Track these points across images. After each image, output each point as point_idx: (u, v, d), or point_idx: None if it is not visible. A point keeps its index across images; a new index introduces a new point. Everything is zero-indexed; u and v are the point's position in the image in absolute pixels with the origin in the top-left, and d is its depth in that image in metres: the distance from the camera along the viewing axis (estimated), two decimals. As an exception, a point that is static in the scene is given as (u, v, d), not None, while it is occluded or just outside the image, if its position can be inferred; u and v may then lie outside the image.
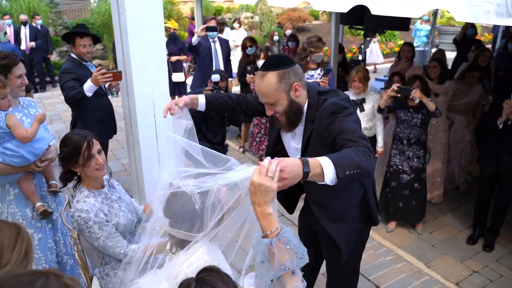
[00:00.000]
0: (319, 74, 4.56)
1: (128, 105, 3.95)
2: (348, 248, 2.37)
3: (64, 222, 2.60)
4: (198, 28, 6.42)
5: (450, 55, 9.30)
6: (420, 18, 10.64)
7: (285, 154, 2.36)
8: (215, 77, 4.54)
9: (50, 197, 2.90)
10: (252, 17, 16.77)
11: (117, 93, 4.24)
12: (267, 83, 1.99)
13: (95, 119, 4.00)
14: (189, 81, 7.93)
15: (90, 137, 2.25)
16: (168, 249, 1.89)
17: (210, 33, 5.87)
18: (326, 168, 1.55)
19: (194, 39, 5.78)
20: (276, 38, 9.81)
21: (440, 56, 5.58)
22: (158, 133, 3.89)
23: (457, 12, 2.92)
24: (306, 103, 2.12)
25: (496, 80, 6.07)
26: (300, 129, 2.19)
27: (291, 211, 2.69)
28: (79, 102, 3.78)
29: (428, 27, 10.68)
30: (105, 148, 4.25)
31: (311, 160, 1.52)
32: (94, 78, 3.59)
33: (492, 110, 4.02)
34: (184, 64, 10.44)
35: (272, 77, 1.98)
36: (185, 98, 2.32)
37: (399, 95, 4.00)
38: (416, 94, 3.90)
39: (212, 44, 6.08)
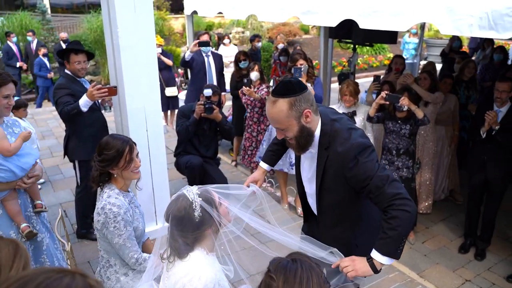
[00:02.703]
0: None
1: (120, 120, 3.98)
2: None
3: (57, 237, 2.58)
4: (191, 44, 6.50)
5: (438, 67, 9.49)
6: (408, 31, 10.83)
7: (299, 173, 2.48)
8: (207, 92, 4.58)
9: (35, 218, 2.83)
10: (243, 32, 16.95)
11: (110, 108, 4.28)
12: (278, 110, 2.00)
13: (89, 134, 3.99)
14: (182, 95, 7.98)
15: (131, 141, 2.40)
16: (166, 257, 1.90)
17: (203, 48, 5.92)
18: (387, 262, 1.99)
19: (187, 55, 5.82)
20: (259, 44, 9.76)
21: (430, 68, 5.69)
22: (151, 146, 3.92)
23: (442, 25, 3.01)
24: (319, 128, 2.12)
25: (481, 90, 6.19)
26: (312, 153, 2.21)
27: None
28: (74, 117, 3.80)
29: (416, 40, 10.88)
30: None
31: (376, 263, 1.98)
32: (89, 93, 3.65)
33: (476, 120, 4.10)
34: (177, 79, 10.52)
35: (283, 104, 1.98)
36: (258, 176, 2.60)
37: (387, 102, 4.08)
38: (404, 102, 3.97)
39: (206, 59, 6.12)
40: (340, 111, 3.01)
